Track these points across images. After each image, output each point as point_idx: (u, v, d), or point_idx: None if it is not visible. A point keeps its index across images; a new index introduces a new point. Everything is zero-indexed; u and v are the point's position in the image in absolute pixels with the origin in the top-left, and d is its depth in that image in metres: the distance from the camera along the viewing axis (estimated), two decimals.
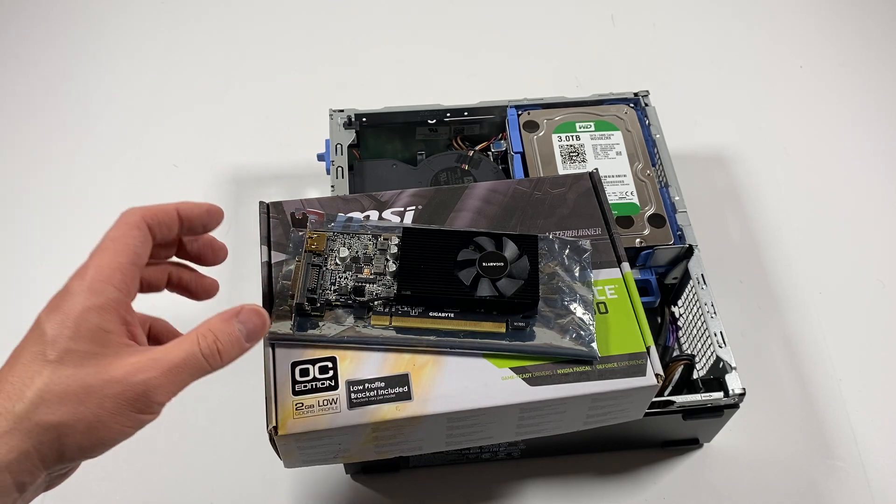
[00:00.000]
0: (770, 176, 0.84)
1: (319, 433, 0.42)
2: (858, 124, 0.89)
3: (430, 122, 0.73)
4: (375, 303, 0.45)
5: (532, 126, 0.70)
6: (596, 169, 0.55)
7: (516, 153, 0.68)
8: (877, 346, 0.71)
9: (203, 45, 0.97)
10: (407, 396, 0.42)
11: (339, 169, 0.67)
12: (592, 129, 0.69)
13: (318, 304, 0.45)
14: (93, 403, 0.32)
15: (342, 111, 0.71)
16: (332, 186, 0.66)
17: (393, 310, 0.45)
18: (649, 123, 0.70)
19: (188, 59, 0.96)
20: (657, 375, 0.44)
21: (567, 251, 0.48)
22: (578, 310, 0.46)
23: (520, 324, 0.45)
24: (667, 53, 0.96)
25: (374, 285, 0.45)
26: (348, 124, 0.71)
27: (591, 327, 0.45)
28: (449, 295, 0.44)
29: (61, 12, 1.01)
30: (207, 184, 0.83)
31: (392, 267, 0.46)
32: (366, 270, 0.46)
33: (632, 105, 0.71)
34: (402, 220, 0.50)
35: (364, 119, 0.72)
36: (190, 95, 0.92)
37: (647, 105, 0.72)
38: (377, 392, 0.43)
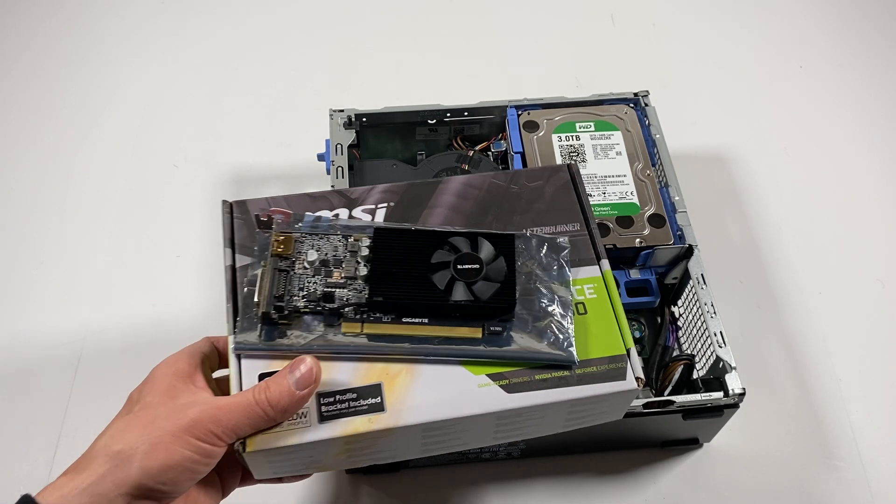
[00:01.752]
0: (770, 176, 0.84)
1: (289, 448, 0.40)
2: (858, 124, 0.89)
3: (430, 122, 0.73)
4: (346, 309, 0.43)
5: (532, 126, 0.70)
6: (574, 160, 0.53)
7: (516, 153, 0.68)
8: (877, 346, 0.71)
9: (203, 46, 0.97)
10: (380, 408, 0.41)
11: (339, 169, 0.67)
12: (592, 129, 0.69)
13: (286, 312, 0.42)
14: (155, 428, 0.37)
15: (342, 111, 0.71)
16: (333, 186, 0.66)
17: (364, 316, 0.43)
18: (649, 123, 0.70)
19: (188, 59, 0.96)
20: (637, 379, 0.43)
21: (545, 249, 0.46)
22: (556, 312, 0.44)
23: (496, 328, 0.43)
24: (667, 53, 0.96)
25: (345, 290, 0.43)
26: (348, 124, 0.71)
27: (570, 330, 0.43)
28: (422, 301, 0.43)
29: (61, 13, 1.01)
30: (207, 184, 0.83)
31: (363, 270, 0.44)
32: (335, 274, 0.44)
33: (632, 105, 0.71)
34: (373, 219, 0.48)
35: (364, 119, 0.72)
36: (190, 95, 0.92)
37: (647, 105, 0.72)
38: (349, 404, 0.41)
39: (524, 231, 0.47)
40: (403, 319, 0.43)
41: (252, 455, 0.40)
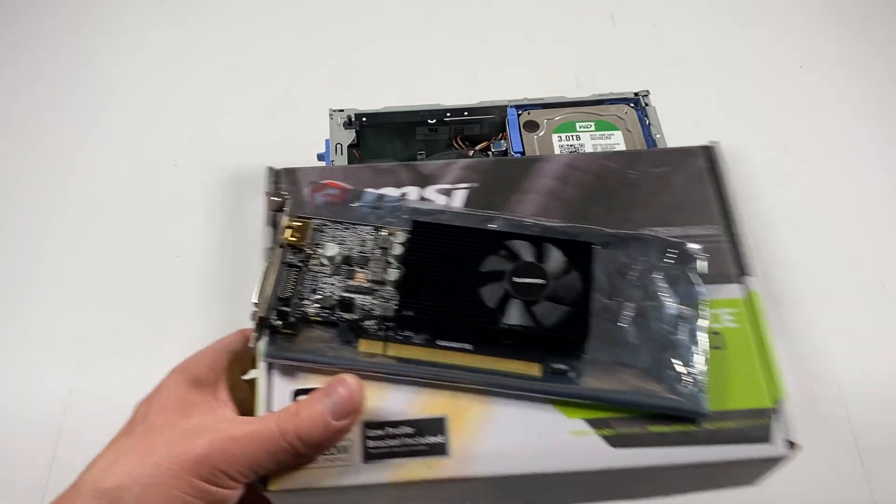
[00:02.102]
0: (770, 176, 0.84)
1: (324, 491, 0.32)
2: (858, 124, 0.89)
3: (430, 121, 0.73)
4: (367, 322, 0.34)
5: (532, 126, 0.70)
6: (718, 142, 0.43)
7: (516, 153, 0.68)
8: (877, 346, 0.71)
9: (203, 45, 0.97)
10: (442, 450, 0.32)
11: None
12: (592, 128, 0.69)
13: (292, 320, 0.34)
14: (151, 463, 0.30)
15: (342, 111, 0.71)
16: None
17: (389, 334, 0.34)
18: (649, 123, 0.70)
19: (188, 59, 0.96)
20: (788, 443, 0.33)
21: (669, 257, 0.36)
22: (683, 342, 0.34)
23: (559, 367, 0.33)
24: (667, 53, 0.96)
25: (369, 297, 0.35)
26: (348, 124, 0.71)
27: (701, 369, 0.34)
28: (466, 321, 0.34)
29: (61, 13, 1.01)
30: (207, 184, 0.83)
31: (393, 274, 0.35)
32: (359, 276, 0.35)
33: (632, 105, 0.71)
34: (449, 202, 0.39)
35: (364, 119, 0.72)
36: (190, 95, 0.92)
37: (647, 105, 0.72)
38: (402, 441, 0.33)
39: (641, 231, 0.37)
40: (438, 342, 0.34)
41: (277, 495, 0.33)
